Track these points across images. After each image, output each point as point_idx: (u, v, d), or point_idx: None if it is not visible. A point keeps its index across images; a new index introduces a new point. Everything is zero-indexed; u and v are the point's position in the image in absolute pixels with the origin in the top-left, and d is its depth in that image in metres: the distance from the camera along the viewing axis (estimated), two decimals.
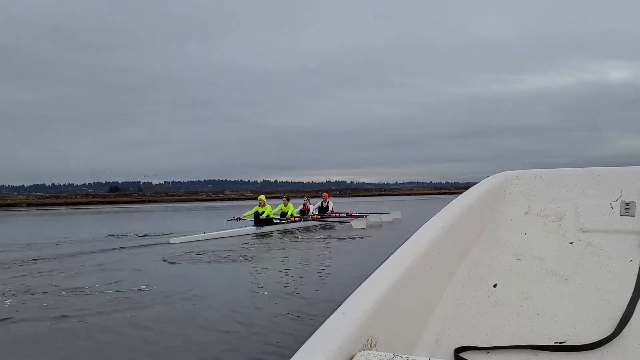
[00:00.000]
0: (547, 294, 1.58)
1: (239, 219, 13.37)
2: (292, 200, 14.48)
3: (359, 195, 77.87)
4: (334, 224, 13.90)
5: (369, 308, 1.16)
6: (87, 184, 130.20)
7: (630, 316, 1.38)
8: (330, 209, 14.75)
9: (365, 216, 14.43)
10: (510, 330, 1.44)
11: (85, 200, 66.26)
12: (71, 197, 69.10)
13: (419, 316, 1.43)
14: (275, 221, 13.08)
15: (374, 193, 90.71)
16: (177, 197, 74.89)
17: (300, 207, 14.52)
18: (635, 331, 1.34)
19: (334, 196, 15.66)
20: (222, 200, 68.79)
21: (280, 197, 15.10)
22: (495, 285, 1.65)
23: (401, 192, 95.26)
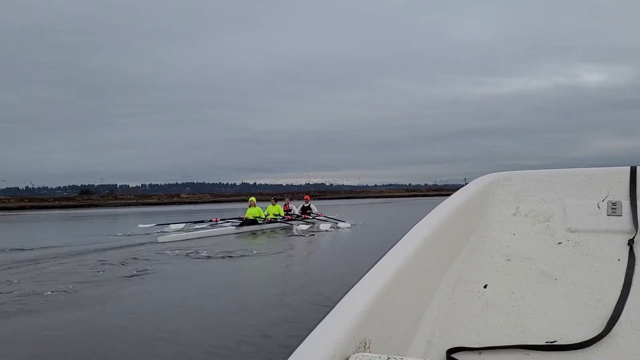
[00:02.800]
0: (537, 293, 1.67)
1: (224, 220, 15.91)
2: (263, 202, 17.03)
3: (325, 198, 78.37)
4: (316, 223, 15.95)
5: (362, 310, 1.21)
6: (62, 187, 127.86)
7: (619, 315, 1.48)
8: (314, 210, 17.14)
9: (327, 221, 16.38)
10: (501, 331, 1.52)
11: (19, 205, 63.28)
12: (3, 202, 65.86)
13: (411, 318, 1.49)
14: (259, 221, 15.09)
15: (342, 196, 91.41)
16: (126, 201, 72.79)
17: (282, 208, 16.73)
18: (624, 330, 1.44)
19: (299, 199, 18.34)
20: (177, 203, 67.52)
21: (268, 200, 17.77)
22: (485, 286, 1.73)
23: (371, 195, 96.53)
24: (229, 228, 14.26)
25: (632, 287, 1.60)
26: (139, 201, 72.24)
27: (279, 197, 20.03)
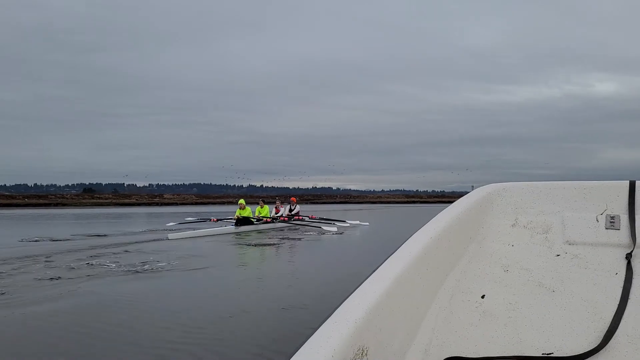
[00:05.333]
0: (534, 305, 1.78)
1: (218, 220, 18.17)
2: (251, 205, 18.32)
3: (319, 202, 78.63)
4: (303, 225, 17.66)
5: (360, 317, 1.30)
6: (70, 184, 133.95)
7: (616, 328, 1.59)
8: (297, 211, 19.22)
9: (333, 223, 18.20)
10: (498, 341, 1.63)
11: None
12: None
13: (408, 326, 1.59)
14: (253, 222, 17.03)
15: (336, 200, 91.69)
16: (102, 201, 72.29)
17: (273, 210, 18.70)
18: (621, 343, 1.55)
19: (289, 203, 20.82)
20: (157, 204, 67.34)
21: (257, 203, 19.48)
22: (483, 296, 1.84)
23: (367, 200, 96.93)
24: (228, 227, 16.24)
25: (629, 300, 1.71)
26: (113, 201, 71.69)
27: (271, 200, 21.10)
